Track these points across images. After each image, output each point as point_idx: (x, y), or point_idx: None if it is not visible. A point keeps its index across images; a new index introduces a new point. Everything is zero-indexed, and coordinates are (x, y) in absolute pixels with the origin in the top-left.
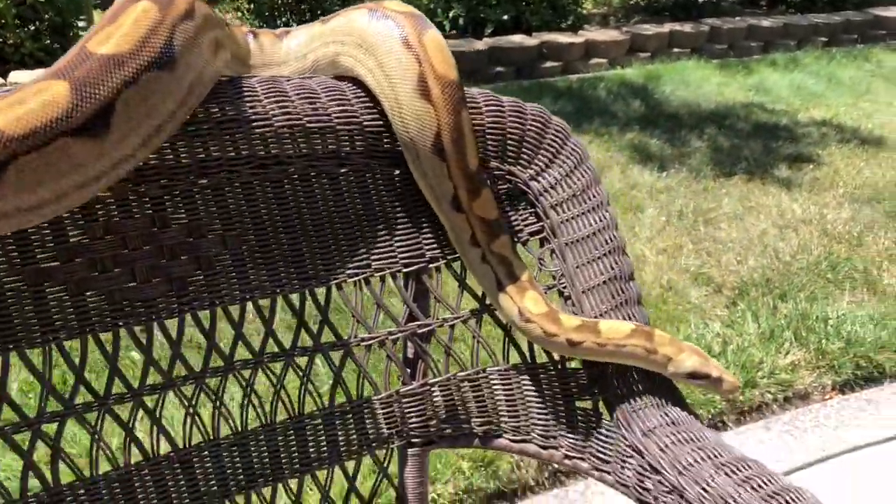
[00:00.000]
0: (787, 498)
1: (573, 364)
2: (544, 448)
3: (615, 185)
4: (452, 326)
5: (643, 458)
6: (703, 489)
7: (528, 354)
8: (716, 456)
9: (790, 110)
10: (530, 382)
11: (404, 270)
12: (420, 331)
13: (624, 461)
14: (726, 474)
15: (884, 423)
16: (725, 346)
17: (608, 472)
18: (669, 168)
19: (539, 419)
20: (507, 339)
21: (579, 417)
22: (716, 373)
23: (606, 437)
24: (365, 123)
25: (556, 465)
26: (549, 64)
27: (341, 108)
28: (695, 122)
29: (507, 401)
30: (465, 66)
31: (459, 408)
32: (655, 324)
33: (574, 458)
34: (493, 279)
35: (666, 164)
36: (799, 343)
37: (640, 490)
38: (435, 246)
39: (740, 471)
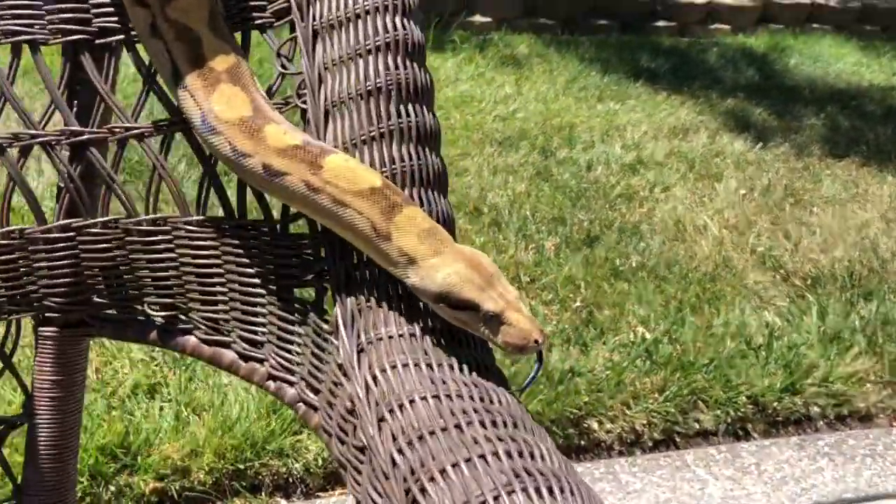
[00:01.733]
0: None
1: (298, 227)
2: (244, 359)
3: (697, 150)
4: (123, 142)
5: (354, 402)
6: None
7: (235, 204)
8: (472, 426)
9: None
10: (235, 250)
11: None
12: (74, 139)
13: (333, 398)
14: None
15: None
16: (772, 339)
17: (315, 408)
18: (769, 140)
19: (242, 312)
20: (206, 174)
21: (296, 317)
22: (491, 306)
23: (325, 354)
24: None
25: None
26: (661, 23)
27: None
28: (815, 98)
29: (199, 277)
30: (560, 14)
31: (126, 276)
32: (694, 303)
33: (280, 378)
34: (167, 63)
35: (766, 135)
36: (871, 351)
37: (340, 446)
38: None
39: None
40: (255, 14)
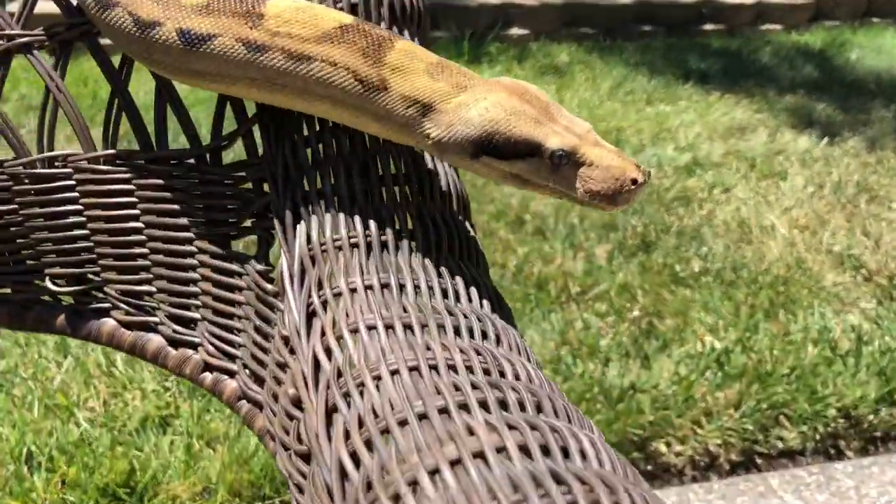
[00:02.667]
0: None
1: (235, 155)
2: (174, 344)
3: (757, 149)
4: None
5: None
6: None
7: (153, 132)
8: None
9: None
10: (155, 194)
11: None
12: None
13: (277, 387)
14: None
15: None
16: (861, 344)
17: (259, 406)
18: (836, 136)
19: (169, 280)
20: (115, 93)
21: (235, 279)
22: (558, 141)
23: (270, 327)
24: None
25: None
26: (709, 26)
27: None
28: (881, 90)
29: (112, 235)
30: (601, 23)
31: (20, 241)
32: (767, 308)
33: (217, 368)
34: None
35: (832, 130)
36: None
37: (283, 454)
38: None
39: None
40: None
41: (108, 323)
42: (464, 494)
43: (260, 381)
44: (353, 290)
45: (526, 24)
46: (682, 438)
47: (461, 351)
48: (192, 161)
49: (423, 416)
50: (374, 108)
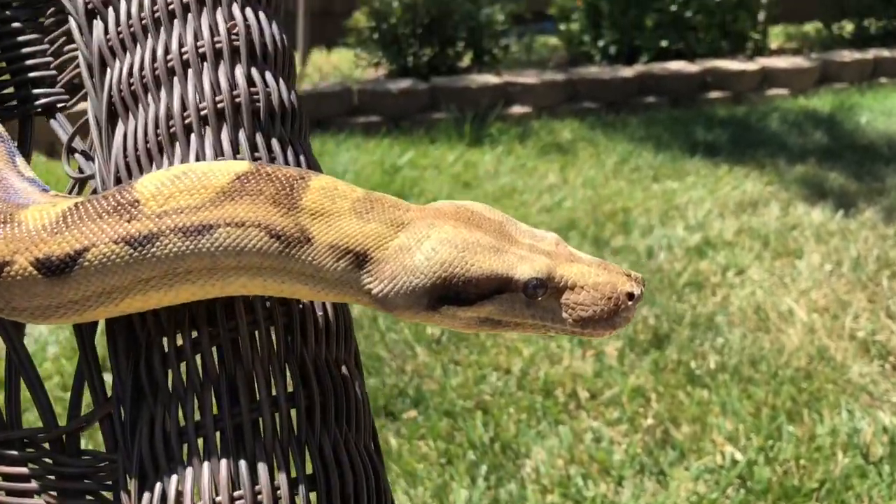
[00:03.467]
0: None
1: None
2: None
3: (770, 225)
4: None
5: None
6: None
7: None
8: None
9: None
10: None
11: None
12: None
13: None
14: None
15: None
16: (895, 447)
17: None
18: (851, 206)
19: None
20: None
21: None
22: (528, 270)
23: None
24: None
25: None
26: (714, 94)
27: None
28: (895, 155)
29: None
30: (607, 96)
31: None
32: (790, 408)
33: None
34: None
35: (847, 201)
36: None
37: None
38: None
39: None
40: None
41: None
42: None
43: None
44: None
45: (527, 102)
46: None
47: None
48: (46, 445)
49: None
50: (300, 267)
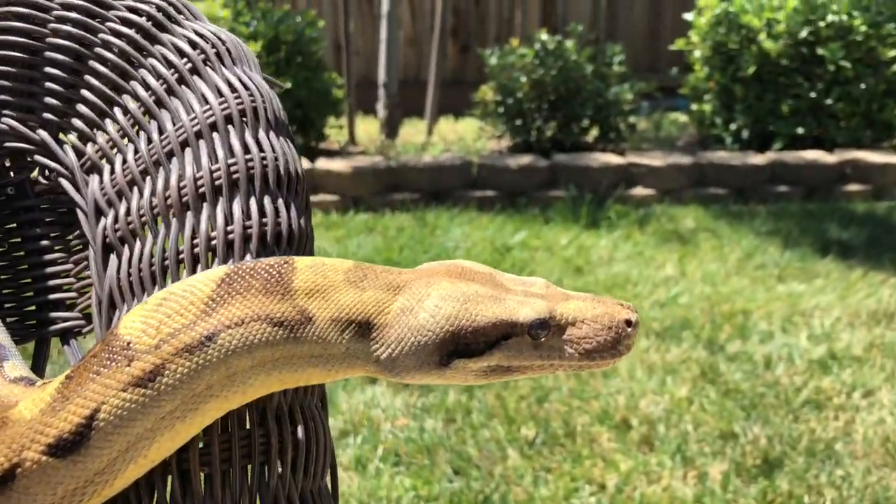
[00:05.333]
0: None
1: None
2: None
3: None
4: None
5: None
6: None
7: None
8: None
9: None
10: None
11: None
12: None
13: None
14: None
15: None
16: None
17: None
18: None
19: None
20: None
21: None
22: (530, 312)
23: None
24: None
25: None
26: (852, 187)
27: None
28: None
29: None
30: (736, 183)
31: None
32: None
33: None
34: None
35: None
36: None
37: None
38: None
39: None
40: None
41: None
42: None
43: None
44: None
45: (650, 184)
46: None
47: None
48: None
49: None
50: (308, 349)
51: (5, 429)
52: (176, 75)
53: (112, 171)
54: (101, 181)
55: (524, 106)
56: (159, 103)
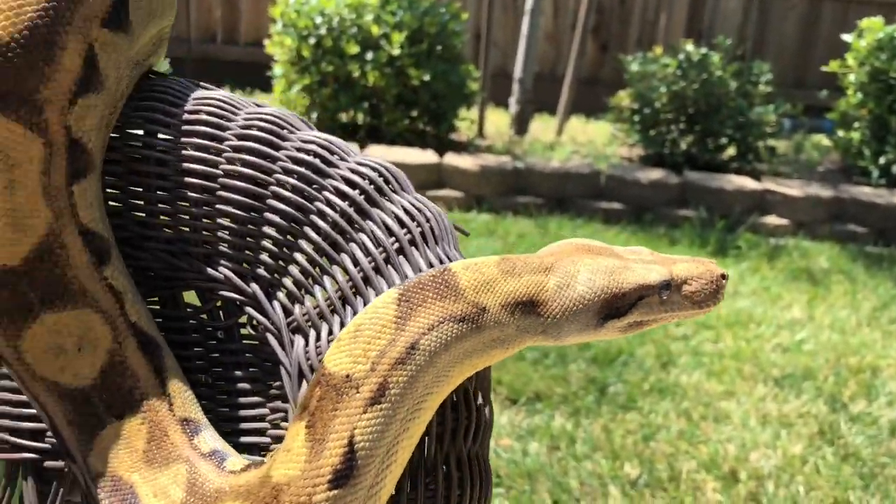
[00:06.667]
0: None
1: None
2: None
3: None
4: None
5: None
6: None
7: None
8: None
9: None
10: None
11: None
12: None
13: None
14: None
15: None
16: None
17: None
18: None
19: None
20: None
21: None
22: (656, 276)
23: None
24: None
25: None
26: None
27: None
28: None
29: None
30: (878, 223)
31: None
32: None
33: None
34: None
35: None
36: None
37: None
38: None
39: None
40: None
41: None
42: None
43: None
44: None
45: (785, 214)
46: None
47: None
48: None
49: None
50: (489, 334)
51: (284, 494)
52: (384, 254)
53: (318, 338)
54: (307, 345)
55: (661, 116)
56: (366, 280)
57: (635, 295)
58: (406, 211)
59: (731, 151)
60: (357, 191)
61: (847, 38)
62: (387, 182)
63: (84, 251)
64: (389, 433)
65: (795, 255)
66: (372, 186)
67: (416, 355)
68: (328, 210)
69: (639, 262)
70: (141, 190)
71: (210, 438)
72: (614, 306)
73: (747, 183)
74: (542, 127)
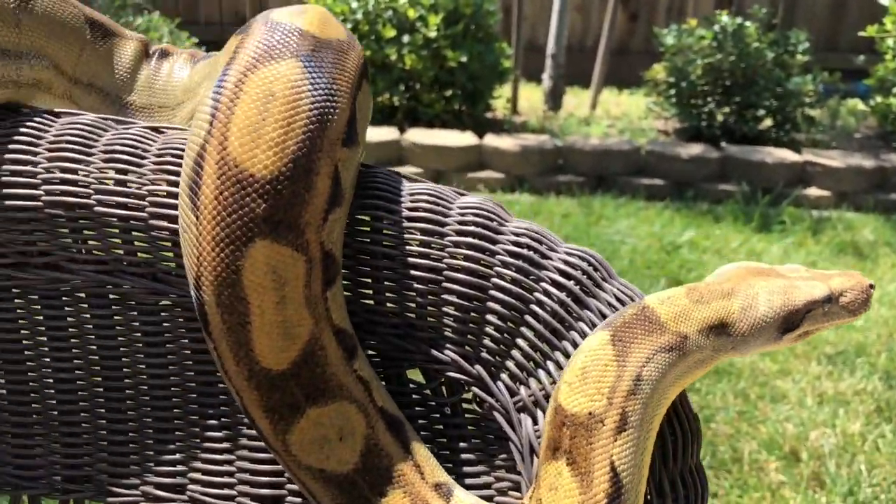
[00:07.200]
0: None
1: None
2: None
3: None
4: None
5: None
6: None
7: None
8: None
9: None
10: None
11: None
12: None
13: None
14: None
15: None
16: None
17: None
18: None
19: None
20: None
21: None
22: (819, 292)
23: None
24: None
25: None
26: None
27: None
28: None
29: None
30: None
31: None
32: None
33: None
34: None
35: None
36: None
37: None
38: None
39: None
40: None
41: None
42: None
43: None
44: None
45: (826, 185)
46: None
47: None
48: None
49: None
50: (693, 357)
51: None
52: None
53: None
54: (535, 424)
55: (697, 89)
56: None
57: (805, 310)
58: (618, 299)
59: (767, 122)
60: (572, 281)
61: (884, 1)
62: (595, 270)
63: (338, 349)
64: (636, 456)
65: (840, 228)
66: (585, 276)
67: (642, 385)
68: (546, 300)
69: (800, 279)
70: (370, 281)
71: (463, 496)
72: (790, 321)
73: (788, 155)
74: (574, 101)
